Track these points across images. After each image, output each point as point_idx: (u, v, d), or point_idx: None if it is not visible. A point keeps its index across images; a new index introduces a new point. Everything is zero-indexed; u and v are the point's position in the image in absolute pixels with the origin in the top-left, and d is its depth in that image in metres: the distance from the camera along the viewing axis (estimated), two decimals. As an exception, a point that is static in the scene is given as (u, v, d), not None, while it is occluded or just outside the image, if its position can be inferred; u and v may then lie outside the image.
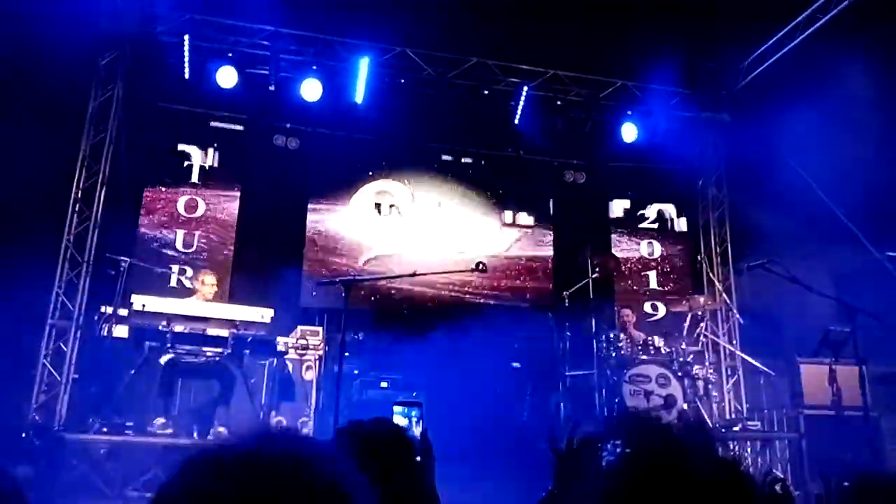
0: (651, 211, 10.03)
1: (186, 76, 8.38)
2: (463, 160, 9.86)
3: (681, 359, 7.26)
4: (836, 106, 7.67)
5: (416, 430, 2.41)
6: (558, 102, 9.20)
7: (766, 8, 8.14)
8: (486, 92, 9.01)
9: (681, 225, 10.03)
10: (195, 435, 5.96)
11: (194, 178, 8.74)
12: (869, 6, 7.35)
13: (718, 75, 9.65)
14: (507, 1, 8.03)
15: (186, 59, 8.28)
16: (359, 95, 8.74)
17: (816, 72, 8.14)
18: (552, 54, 9.04)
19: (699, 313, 8.32)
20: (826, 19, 7.95)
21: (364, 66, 8.56)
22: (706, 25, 8.07)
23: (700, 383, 7.35)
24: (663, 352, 7.25)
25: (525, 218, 9.95)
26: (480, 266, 5.37)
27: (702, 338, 8.22)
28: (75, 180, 7.69)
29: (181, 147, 8.77)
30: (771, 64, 8.88)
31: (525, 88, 9.02)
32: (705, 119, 9.59)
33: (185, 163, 8.77)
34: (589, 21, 8.02)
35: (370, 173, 9.55)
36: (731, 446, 7.59)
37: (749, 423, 7.56)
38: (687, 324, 7.84)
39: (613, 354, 7.21)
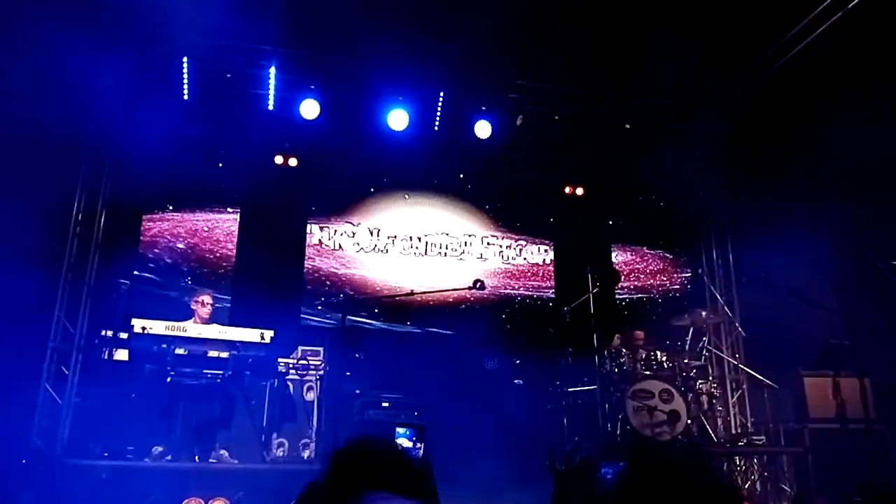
0: (651, 223, 10.02)
1: (186, 97, 8.42)
2: (461, 175, 9.88)
3: (684, 373, 7.22)
4: (833, 116, 7.70)
5: (419, 453, 2.39)
6: (555, 117, 9.21)
7: (761, 21, 8.18)
8: (483, 108, 9.03)
9: (681, 237, 10.02)
10: (196, 458, 5.94)
11: (194, 201, 8.77)
12: (867, 18, 7.39)
13: (715, 88, 9.66)
14: (501, 17, 8.07)
15: (186, 80, 8.34)
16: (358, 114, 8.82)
17: (812, 83, 8.17)
18: (548, 70, 9.08)
19: (702, 327, 8.29)
20: (821, 30, 7.99)
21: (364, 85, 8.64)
22: (703, 38, 8.10)
23: (704, 398, 7.32)
24: (666, 367, 7.21)
25: (525, 232, 9.95)
26: (478, 284, 5.35)
27: (705, 352, 8.19)
28: (76, 203, 7.72)
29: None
30: (768, 76, 8.91)
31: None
32: (702, 132, 9.61)
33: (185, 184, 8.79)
34: (585, 36, 8.07)
35: (371, 190, 9.58)
36: (738, 461, 7.54)
37: (754, 437, 7.50)
38: (689, 338, 7.82)
39: (616, 370, 7.18)
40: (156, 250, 8.51)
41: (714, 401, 7.50)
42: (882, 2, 7.14)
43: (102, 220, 7.80)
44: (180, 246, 8.61)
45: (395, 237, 9.48)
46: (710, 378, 7.72)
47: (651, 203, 10.15)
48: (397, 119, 8.78)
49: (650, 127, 9.39)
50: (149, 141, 8.51)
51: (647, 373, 7.10)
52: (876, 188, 7.68)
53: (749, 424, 8.38)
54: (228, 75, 8.44)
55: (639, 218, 10.02)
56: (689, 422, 6.82)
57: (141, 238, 8.46)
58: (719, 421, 7.76)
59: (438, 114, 8.97)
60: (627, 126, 9.38)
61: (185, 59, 8.25)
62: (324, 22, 8.03)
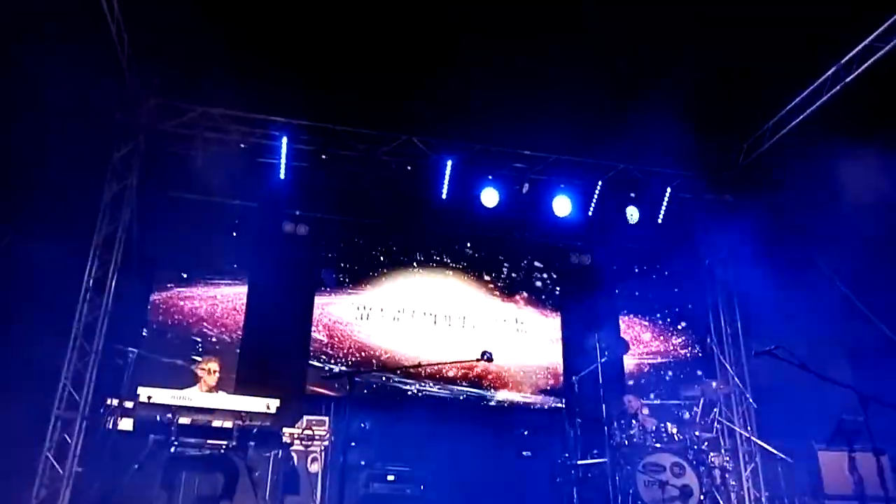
0: (658, 292, 10.01)
1: (200, 165, 8.59)
2: (468, 244, 9.93)
3: (696, 446, 7.07)
4: (837, 183, 7.77)
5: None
6: (561, 186, 9.34)
7: (763, 91, 8.38)
8: (490, 177, 9.17)
9: (690, 305, 9.98)
10: (197, 533, 5.80)
11: (203, 273, 8.83)
12: (864, 90, 7.58)
13: (719, 156, 9.83)
14: (507, 89, 8.29)
15: (201, 150, 8.53)
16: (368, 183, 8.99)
17: (817, 150, 8.29)
18: (554, 140, 9.27)
19: (712, 398, 8.16)
20: (821, 101, 8.17)
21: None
22: (706, 107, 8.28)
23: (717, 472, 7.13)
24: (677, 439, 7.07)
25: (532, 301, 9.94)
26: (486, 355, 5.29)
27: (716, 423, 8.03)
28: (87, 269, 7.78)
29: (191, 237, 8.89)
30: (771, 145, 9.05)
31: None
32: (708, 200, 9.70)
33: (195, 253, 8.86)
34: (589, 107, 8.26)
35: (381, 259, 9.62)
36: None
37: (770, 514, 7.29)
38: (700, 409, 7.69)
39: (626, 442, 7.04)
40: (163, 322, 8.53)
41: (727, 475, 7.31)
42: (876, 77, 7.35)
43: (112, 287, 7.83)
44: (187, 318, 8.62)
45: (404, 308, 9.46)
46: (723, 451, 7.55)
47: (658, 271, 10.16)
48: (406, 189, 8.93)
49: (654, 196, 9.48)
50: (161, 208, 8.68)
51: (658, 445, 6.96)
52: (887, 255, 7.69)
53: (763, 499, 8.15)
54: (242, 145, 8.64)
55: (646, 286, 10.02)
56: (702, 497, 6.65)
57: (150, 307, 8.50)
58: (733, 496, 7.53)
59: (446, 182, 9.10)
60: (633, 195, 9.48)
61: (200, 130, 8.47)
62: (332, 94, 8.29)
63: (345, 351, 9.02)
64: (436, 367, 8.86)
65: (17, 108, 6.91)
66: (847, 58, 7.67)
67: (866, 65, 7.48)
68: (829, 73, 7.96)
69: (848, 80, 7.71)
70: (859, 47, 7.50)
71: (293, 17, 7.35)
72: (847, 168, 7.58)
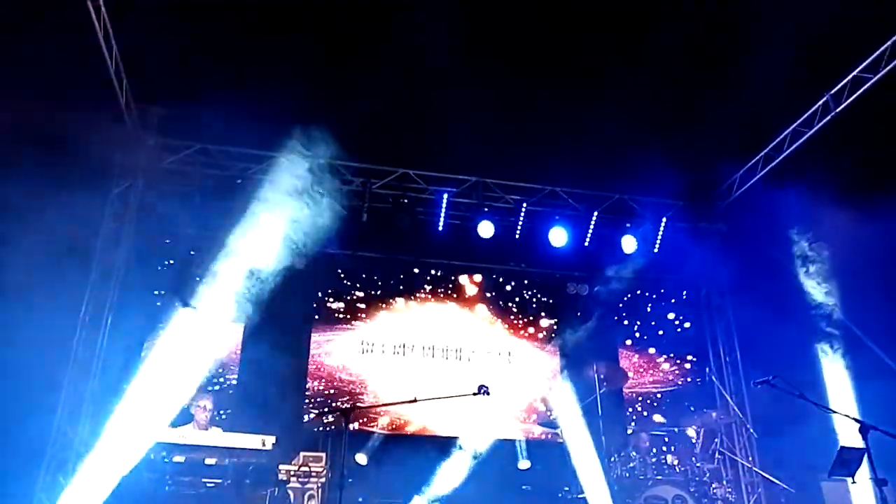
0: (656, 322, 9.98)
1: (197, 201, 8.62)
2: (465, 276, 9.93)
3: (697, 478, 6.99)
4: (826, 211, 7.83)
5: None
6: (557, 217, 9.38)
7: (754, 123, 8.47)
8: (486, 209, 9.21)
9: (687, 335, 9.94)
10: (191, 573, 5.70)
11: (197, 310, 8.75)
12: (849, 124, 7.66)
13: (713, 187, 9.90)
14: (501, 122, 8.37)
15: (198, 186, 8.58)
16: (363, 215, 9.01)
17: (808, 180, 8.35)
18: (550, 171, 9.34)
19: (713, 428, 8.09)
20: (812, 132, 8.26)
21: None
22: (699, 139, 8.36)
23: (719, 504, 7.06)
24: (678, 470, 7.00)
25: (530, 333, 9.90)
26: (483, 389, 5.26)
27: (717, 454, 7.95)
28: (83, 307, 7.75)
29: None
30: (763, 175, 9.12)
31: (524, 205, 9.30)
32: (702, 229, 9.74)
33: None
34: (584, 138, 8.33)
35: (379, 293, 9.58)
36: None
37: (775, 546, 7.18)
38: (701, 440, 7.62)
39: (626, 475, 6.96)
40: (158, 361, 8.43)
41: (730, 507, 7.23)
42: (867, 107, 7.43)
43: (108, 324, 7.80)
44: (186, 353, 8.52)
45: (403, 343, 9.38)
46: (725, 482, 7.47)
47: (655, 301, 10.15)
48: (402, 222, 8.94)
49: (650, 225, 9.52)
50: (158, 245, 8.68)
51: (659, 477, 6.89)
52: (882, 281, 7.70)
53: (768, 531, 8.03)
54: (239, 181, 8.69)
55: (643, 316, 10.00)
56: (704, 530, 6.56)
57: (142, 353, 8.39)
58: (737, 528, 7.44)
59: (442, 215, 9.13)
60: (628, 224, 9.52)
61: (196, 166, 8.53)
62: (328, 128, 8.36)
63: (342, 387, 8.93)
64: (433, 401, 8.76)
65: (17, 149, 6.97)
66: (837, 88, 7.76)
67: (856, 94, 7.56)
68: (819, 103, 8.05)
69: (838, 109, 7.79)
70: (849, 77, 7.59)
71: (288, 54, 7.45)
72: (838, 196, 7.64)
